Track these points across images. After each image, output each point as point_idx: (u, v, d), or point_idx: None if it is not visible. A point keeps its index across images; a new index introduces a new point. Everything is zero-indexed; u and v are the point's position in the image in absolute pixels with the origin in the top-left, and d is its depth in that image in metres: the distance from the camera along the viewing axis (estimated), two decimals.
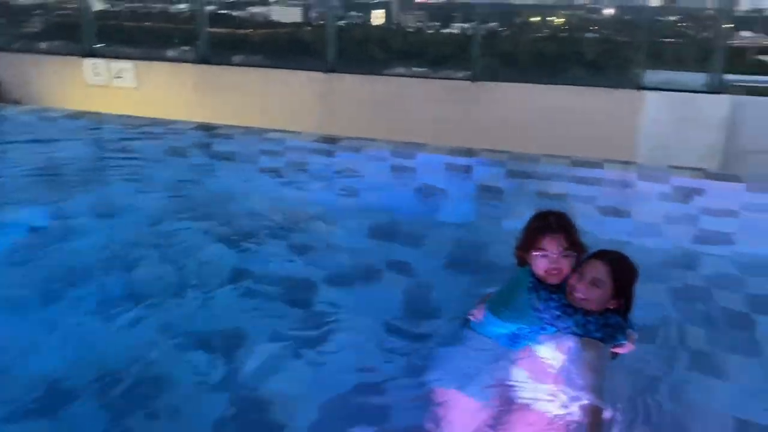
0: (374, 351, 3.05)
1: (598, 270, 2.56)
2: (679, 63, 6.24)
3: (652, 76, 5.90)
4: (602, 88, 5.85)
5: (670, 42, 6.49)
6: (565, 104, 5.92)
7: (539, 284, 2.69)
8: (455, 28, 8.18)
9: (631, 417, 2.60)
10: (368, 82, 6.46)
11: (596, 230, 4.17)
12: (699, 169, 4.49)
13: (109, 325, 3.24)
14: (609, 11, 7.57)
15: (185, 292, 3.60)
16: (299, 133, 5.46)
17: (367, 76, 6.47)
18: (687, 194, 4.34)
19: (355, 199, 4.86)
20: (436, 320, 3.26)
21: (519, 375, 2.67)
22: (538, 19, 8.02)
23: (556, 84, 6.01)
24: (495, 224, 4.51)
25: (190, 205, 4.72)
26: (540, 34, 7.32)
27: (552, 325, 2.64)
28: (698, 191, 4.34)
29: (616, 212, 4.43)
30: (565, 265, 2.66)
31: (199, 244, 4.16)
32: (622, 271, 2.59)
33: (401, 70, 6.80)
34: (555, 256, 2.64)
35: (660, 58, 6.16)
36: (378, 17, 10.45)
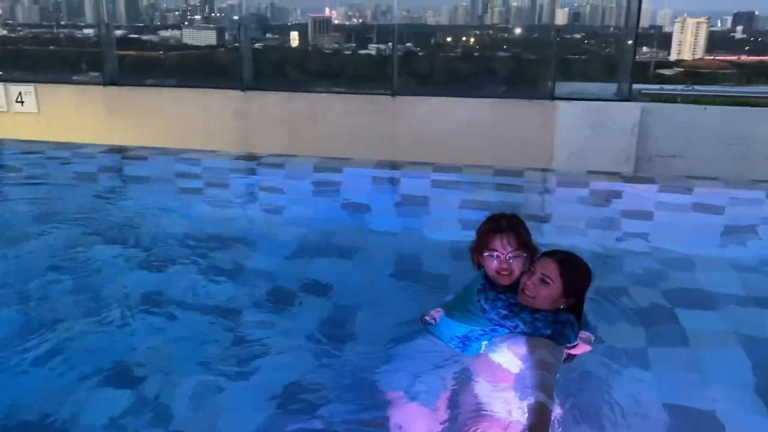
0: (317, 360, 2.92)
1: (547, 267, 2.56)
2: (590, 75, 6.51)
3: (565, 87, 6.11)
4: (517, 100, 6.00)
5: (582, 56, 6.76)
6: (484, 116, 6.03)
7: (490, 286, 2.68)
8: (372, 48, 8.24)
9: (572, 413, 2.59)
10: (288, 99, 6.36)
11: None
12: (615, 173, 4.66)
13: (13, 362, 2.96)
14: (518, 30, 7.85)
15: (101, 322, 3.34)
16: (217, 152, 5.29)
17: (286, 93, 6.37)
18: (606, 197, 4.49)
19: (280, 216, 4.73)
20: (383, 325, 3.17)
21: (468, 377, 2.63)
22: (452, 38, 8.20)
23: (475, 97, 6.12)
24: (425, 233, 4.51)
25: (104, 229, 4.44)
26: (454, 54, 7.49)
27: (501, 325, 2.61)
28: (616, 194, 4.49)
29: (541, 217, 4.51)
30: (516, 265, 2.66)
31: (115, 270, 3.91)
32: (571, 269, 2.59)
33: (320, 89, 6.75)
34: (504, 256, 2.64)
35: (572, 72, 6.41)
36: (295, 39, 10.43)
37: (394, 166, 4.88)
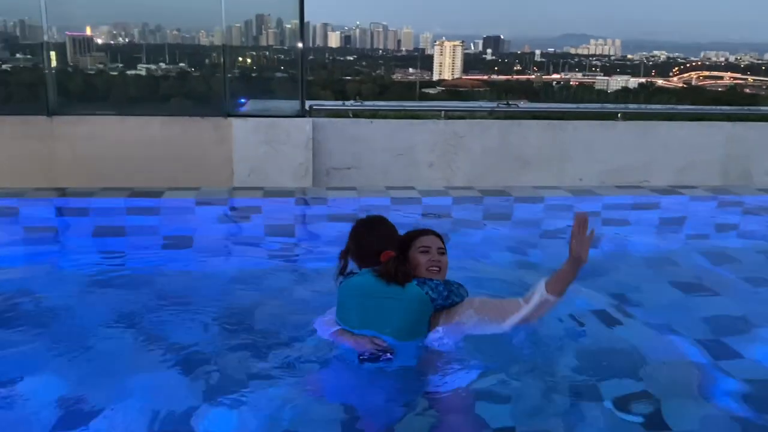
0: None
1: (436, 241, 2.72)
2: (269, 93, 6.37)
3: (241, 104, 5.88)
4: (189, 117, 5.61)
5: (261, 75, 6.62)
6: (154, 134, 5.56)
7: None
8: (141, 69, 7.38)
9: None
10: None
11: (160, 261, 3.87)
12: (259, 188, 4.47)
13: None
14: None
15: None
16: None
17: None
18: (245, 214, 4.27)
19: None
20: None
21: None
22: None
23: (145, 115, 5.63)
24: (52, 265, 3.93)
25: None
26: (129, 72, 6.91)
27: (443, 307, 2.61)
28: (256, 209, 4.29)
29: (176, 240, 4.15)
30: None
31: None
32: None
33: None
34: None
35: (259, 90, 6.25)
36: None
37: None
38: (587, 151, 6.13)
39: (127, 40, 7.66)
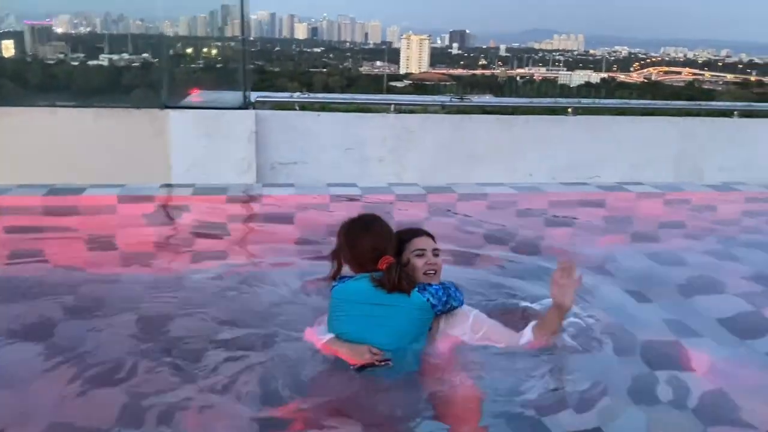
0: None
1: (430, 242, 2.53)
2: (211, 85, 6.06)
3: (181, 96, 5.56)
4: (123, 109, 5.27)
5: (204, 66, 6.29)
6: (87, 127, 5.20)
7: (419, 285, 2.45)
8: (103, 59, 6.96)
9: None
10: None
11: (84, 263, 3.57)
12: (189, 185, 4.18)
13: None
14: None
15: None
16: None
17: None
18: (175, 211, 3.98)
19: None
20: None
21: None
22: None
23: (76, 107, 5.26)
24: None
25: None
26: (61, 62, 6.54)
27: (444, 311, 2.46)
28: (184, 208, 4.00)
29: (100, 241, 3.83)
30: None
31: None
32: None
33: None
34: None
35: (192, 81, 5.92)
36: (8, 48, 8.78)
37: None
38: (539, 146, 5.97)
39: (74, 30, 7.29)
